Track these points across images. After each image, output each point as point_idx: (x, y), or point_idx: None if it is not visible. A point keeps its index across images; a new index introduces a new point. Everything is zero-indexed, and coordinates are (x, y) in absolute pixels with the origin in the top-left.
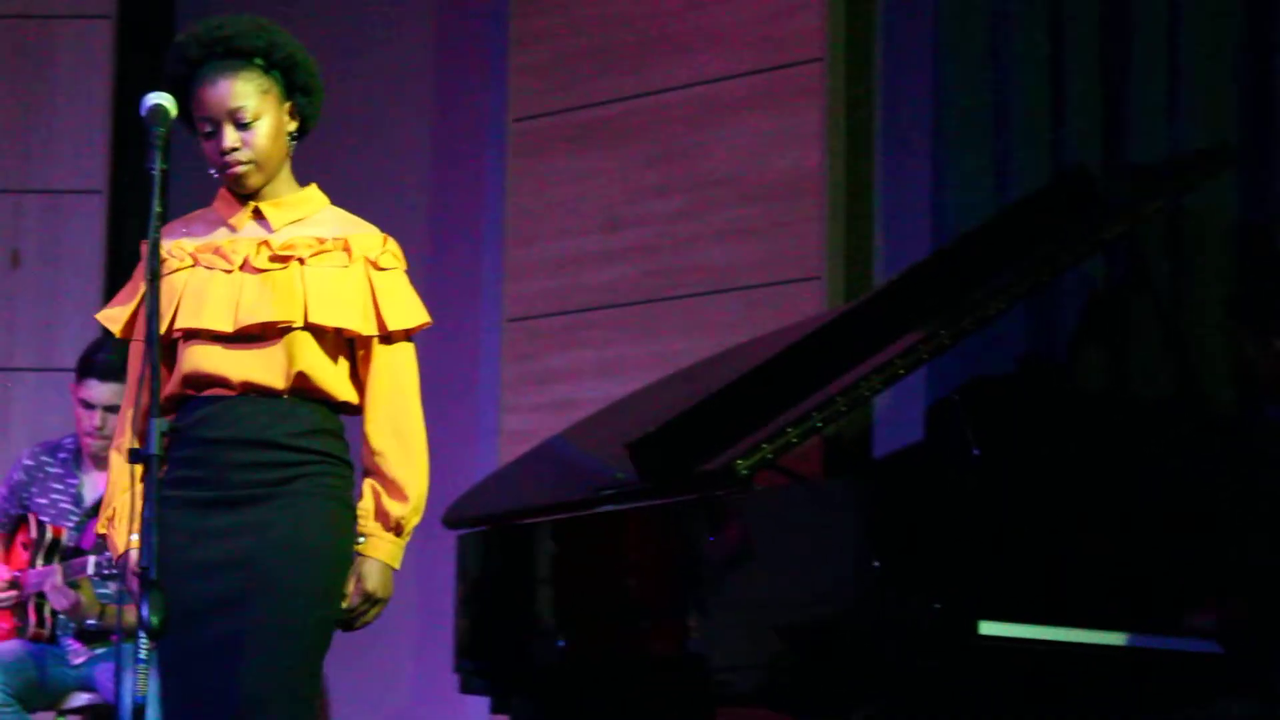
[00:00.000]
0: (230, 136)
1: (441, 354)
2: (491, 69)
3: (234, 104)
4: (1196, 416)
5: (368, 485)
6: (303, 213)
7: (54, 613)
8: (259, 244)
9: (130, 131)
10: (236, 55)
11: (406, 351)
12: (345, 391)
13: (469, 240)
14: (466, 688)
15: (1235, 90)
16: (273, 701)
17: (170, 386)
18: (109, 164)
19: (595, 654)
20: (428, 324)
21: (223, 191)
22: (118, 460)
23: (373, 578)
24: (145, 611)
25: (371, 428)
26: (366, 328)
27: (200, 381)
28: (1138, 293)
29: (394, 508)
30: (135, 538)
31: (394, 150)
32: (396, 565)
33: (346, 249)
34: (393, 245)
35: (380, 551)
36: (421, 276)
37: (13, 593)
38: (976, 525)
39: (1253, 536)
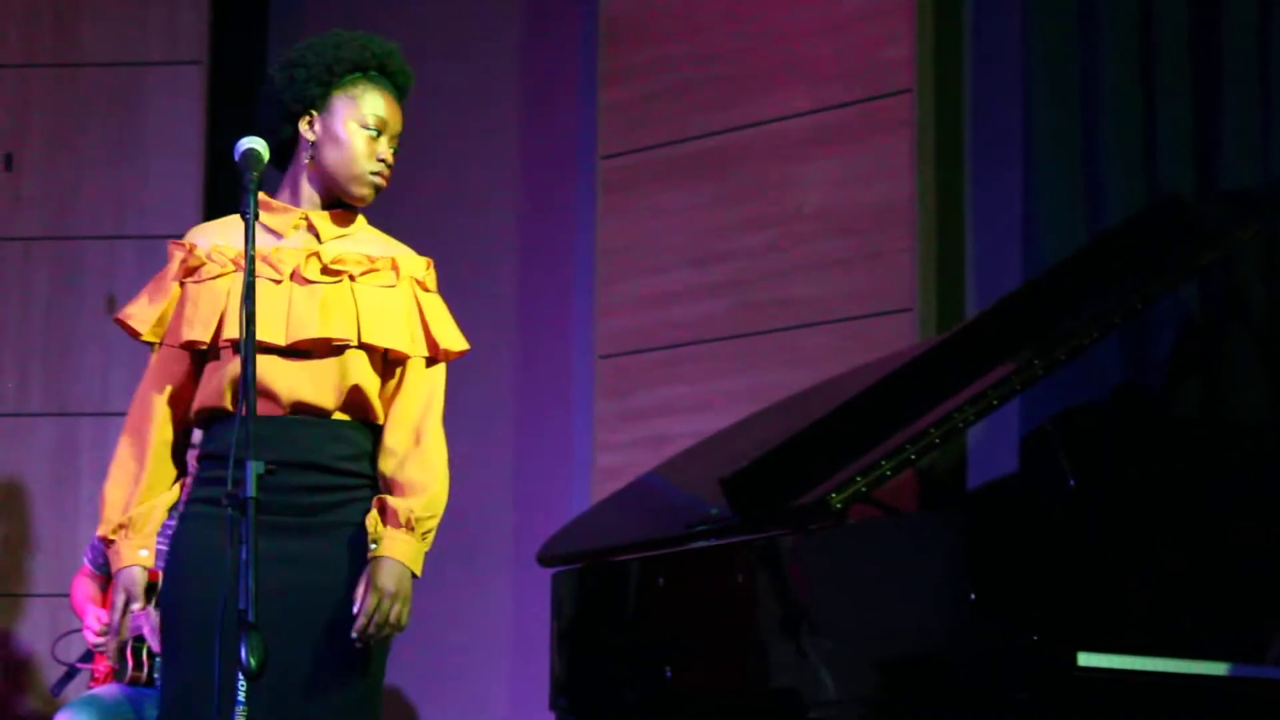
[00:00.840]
0: (389, 150)
1: (534, 391)
2: (580, 105)
3: (399, 127)
4: None
5: (374, 500)
6: (348, 229)
7: (151, 655)
8: (308, 255)
9: (223, 176)
10: (392, 79)
11: (442, 374)
12: (383, 414)
13: (559, 276)
14: None
15: None
16: None
17: (205, 399)
18: (202, 209)
19: (689, 691)
20: (468, 350)
21: (263, 197)
22: (125, 455)
23: (384, 574)
24: (244, 653)
25: (392, 437)
26: (416, 349)
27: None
28: (1232, 320)
29: (402, 504)
30: (145, 553)
31: (484, 188)
32: (414, 566)
33: (395, 268)
34: (433, 269)
35: (393, 549)
36: (513, 313)
37: (111, 636)
38: (1072, 555)
39: None
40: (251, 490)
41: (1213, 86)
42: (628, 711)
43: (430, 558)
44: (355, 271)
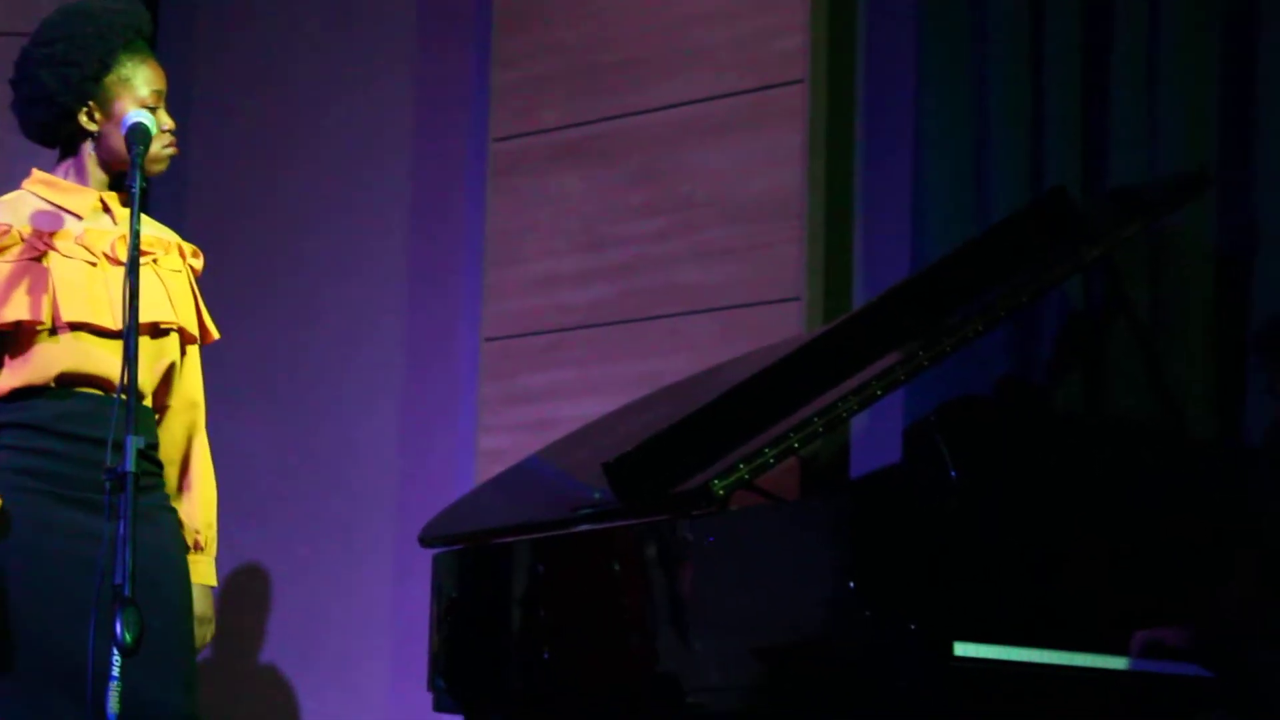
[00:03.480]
0: (169, 118)
1: (420, 373)
2: (473, 88)
3: (165, 83)
4: (1174, 439)
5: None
6: (123, 209)
7: None
8: (116, 238)
9: None
10: (147, 40)
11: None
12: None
13: (448, 258)
14: (440, 706)
15: (1215, 113)
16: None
17: (27, 377)
18: None
19: (569, 674)
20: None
21: (46, 177)
22: None
23: (200, 602)
24: (119, 628)
25: (178, 423)
26: (204, 334)
27: (77, 379)
28: (1116, 315)
29: (191, 522)
30: None
31: (374, 168)
32: (212, 581)
33: (181, 252)
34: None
35: (197, 574)
36: (401, 294)
37: None
38: (953, 546)
39: (1231, 557)
40: (131, 465)
41: (1101, 84)
42: (506, 693)
43: (311, 536)
44: (159, 253)
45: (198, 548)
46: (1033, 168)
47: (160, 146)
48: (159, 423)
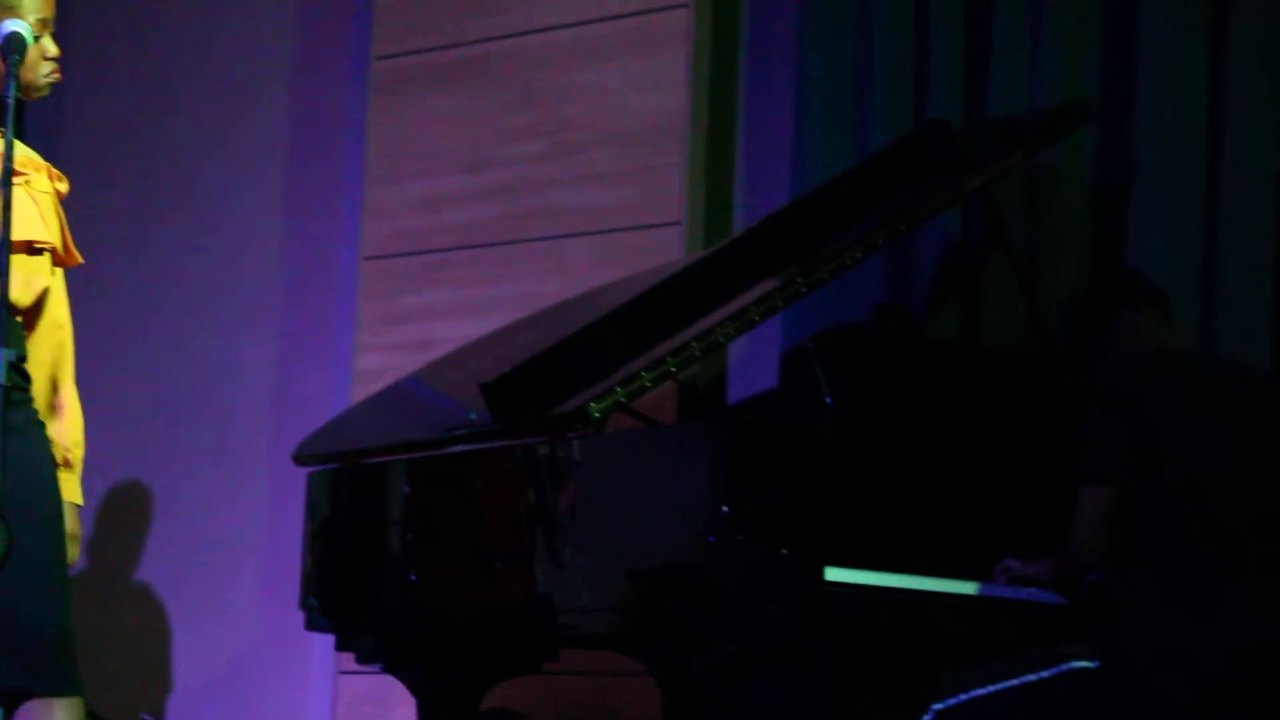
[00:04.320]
0: (53, 45)
1: (298, 291)
2: (355, 5)
3: (51, 10)
4: (1048, 370)
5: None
6: None
7: None
8: None
9: None
10: None
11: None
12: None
13: (328, 177)
14: (311, 625)
15: (1096, 48)
16: (65, 628)
17: None
18: None
19: (442, 594)
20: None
21: None
22: None
23: (69, 520)
24: None
25: (48, 341)
26: (70, 256)
27: None
28: (993, 246)
29: (61, 440)
30: None
31: (253, 84)
32: (79, 499)
33: (50, 174)
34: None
35: (66, 492)
36: (280, 213)
37: None
38: (827, 472)
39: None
40: (1, 377)
41: (984, 16)
42: (377, 613)
43: (187, 454)
44: (31, 174)
45: (66, 465)
46: (915, 98)
47: (43, 74)
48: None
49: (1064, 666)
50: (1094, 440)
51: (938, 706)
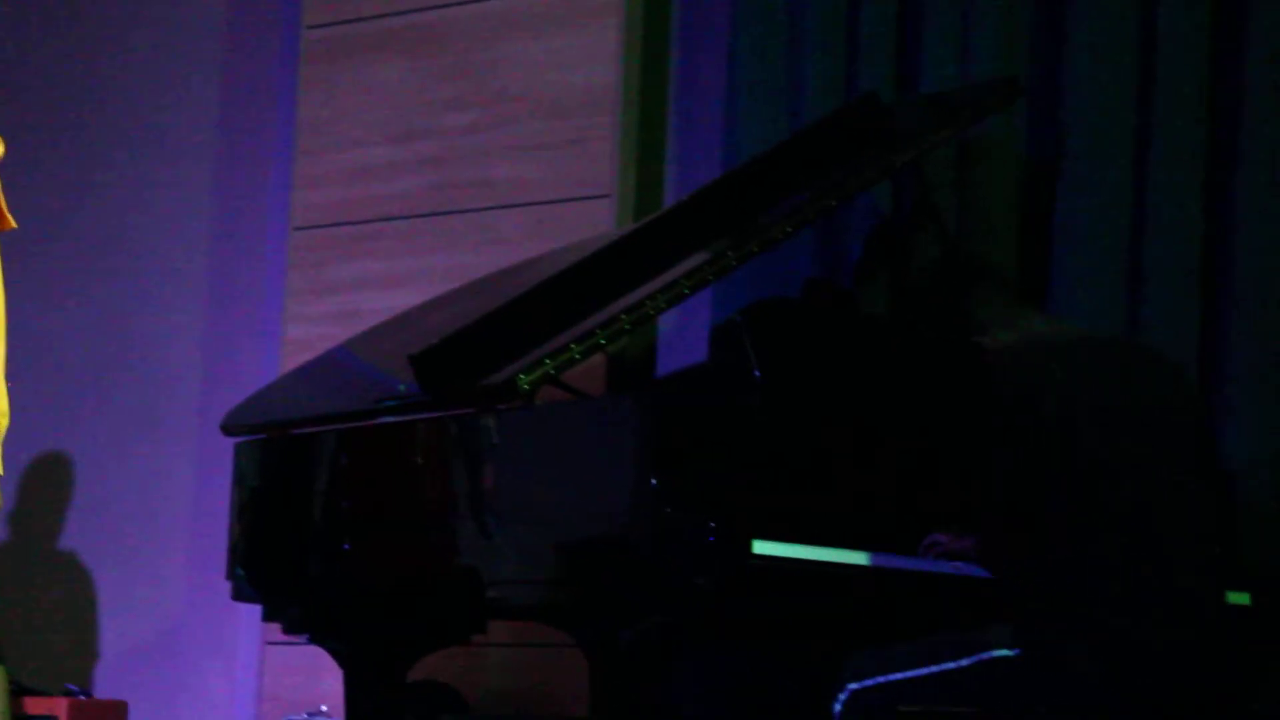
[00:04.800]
0: None
1: (227, 260)
2: None
3: None
4: (976, 344)
5: None
6: None
7: None
8: None
9: None
10: None
11: None
12: None
13: (258, 147)
14: (238, 596)
15: (1028, 24)
16: None
17: None
18: None
19: (370, 565)
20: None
21: None
22: None
23: None
24: None
25: None
26: (2, 221)
27: None
28: (923, 220)
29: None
30: None
31: (185, 54)
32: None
33: None
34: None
35: None
36: (208, 181)
37: None
38: (755, 446)
39: (1015, 468)
40: None
41: None
42: (305, 584)
43: (112, 423)
44: None
45: None
46: (847, 71)
47: None
48: None
49: (984, 655)
50: (1003, 459)
51: (854, 686)
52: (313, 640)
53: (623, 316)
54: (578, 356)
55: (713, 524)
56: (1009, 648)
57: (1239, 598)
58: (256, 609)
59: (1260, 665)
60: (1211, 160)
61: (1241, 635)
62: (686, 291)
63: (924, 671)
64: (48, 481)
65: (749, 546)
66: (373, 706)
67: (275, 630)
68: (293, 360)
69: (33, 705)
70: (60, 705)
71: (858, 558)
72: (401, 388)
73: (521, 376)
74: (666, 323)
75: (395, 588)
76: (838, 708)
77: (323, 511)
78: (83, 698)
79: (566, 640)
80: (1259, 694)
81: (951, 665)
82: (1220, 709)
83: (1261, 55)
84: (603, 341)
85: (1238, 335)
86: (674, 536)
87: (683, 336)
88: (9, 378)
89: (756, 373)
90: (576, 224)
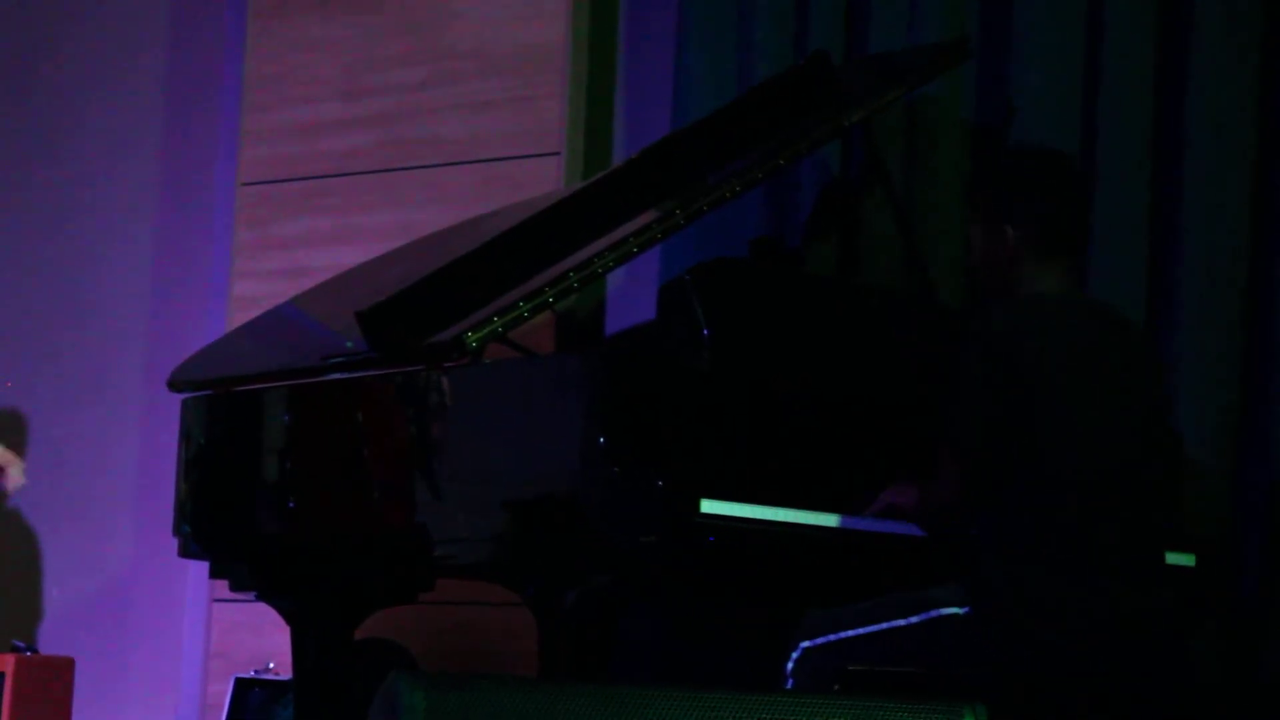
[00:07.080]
0: None
1: (174, 216)
2: None
3: None
4: (924, 304)
5: None
6: None
7: None
8: None
9: None
10: None
11: None
12: None
13: (206, 102)
14: (185, 552)
15: None
16: None
17: None
18: None
19: (317, 522)
20: None
21: None
22: None
23: None
24: None
25: None
26: None
27: None
28: (871, 181)
29: None
30: None
31: (132, 8)
32: None
33: None
34: None
35: None
36: (156, 137)
37: None
38: (703, 404)
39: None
40: None
41: None
42: (251, 540)
43: (59, 380)
44: None
45: None
46: (796, 31)
47: None
48: None
49: (934, 613)
50: (964, 405)
51: (806, 644)
52: (260, 597)
53: (571, 275)
54: (526, 315)
55: (660, 483)
56: (959, 606)
57: (1184, 559)
58: (204, 566)
59: (1200, 626)
60: (1159, 120)
61: (1184, 597)
62: (635, 250)
63: (874, 629)
64: None
65: (697, 505)
66: (320, 663)
67: (223, 587)
68: (240, 316)
69: None
70: (7, 661)
71: (808, 517)
72: (349, 345)
73: (469, 334)
74: (615, 281)
75: (342, 545)
76: (790, 665)
77: (269, 468)
78: (29, 654)
79: (515, 599)
80: (1199, 655)
81: (901, 622)
82: (1163, 673)
83: (1211, 10)
84: (551, 300)
85: (1185, 293)
86: (621, 495)
87: (631, 295)
88: None
89: (705, 332)
90: (525, 182)
